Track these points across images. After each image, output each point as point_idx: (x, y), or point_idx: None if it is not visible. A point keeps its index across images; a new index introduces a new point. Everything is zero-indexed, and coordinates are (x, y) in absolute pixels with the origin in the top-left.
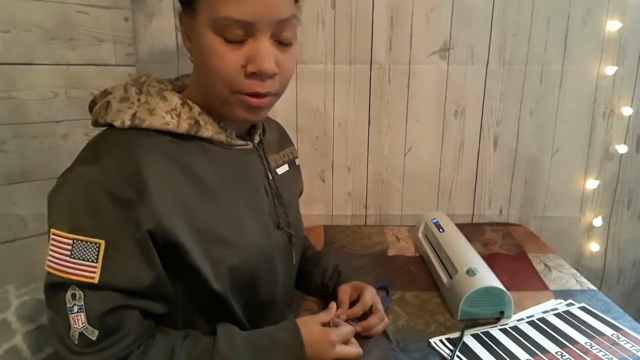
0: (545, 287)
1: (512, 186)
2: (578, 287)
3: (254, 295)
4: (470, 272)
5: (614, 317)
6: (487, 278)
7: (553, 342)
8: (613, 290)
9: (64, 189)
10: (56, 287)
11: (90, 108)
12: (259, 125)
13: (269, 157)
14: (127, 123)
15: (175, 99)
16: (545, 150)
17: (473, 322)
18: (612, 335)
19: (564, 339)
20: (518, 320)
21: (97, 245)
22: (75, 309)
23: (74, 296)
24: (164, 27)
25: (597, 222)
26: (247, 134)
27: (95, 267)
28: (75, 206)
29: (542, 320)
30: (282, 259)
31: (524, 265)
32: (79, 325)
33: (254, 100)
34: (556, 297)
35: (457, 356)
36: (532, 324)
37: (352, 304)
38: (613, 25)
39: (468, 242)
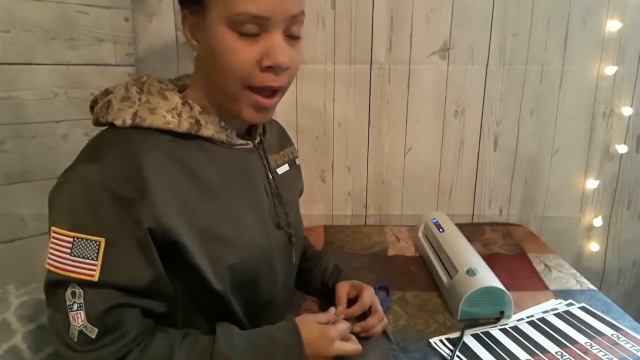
0: (545, 287)
1: (512, 186)
2: (578, 287)
3: (254, 294)
4: (470, 272)
5: (614, 317)
6: (487, 278)
7: (553, 342)
8: (613, 290)
9: (64, 187)
10: (56, 285)
11: (91, 107)
12: (259, 125)
13: (269, 156)
14: (128, 122)
15: (176, 99)
16: (545, 150)
17: (473, 322)
18: (612, 335)
19: (564, 339)
20: (518, 320)
21: (98, 243)
22: (75, 306)
23: (73, 294)
24: (164, 27)
25: (597, 222)
26: (247, 134)
27: (95, 265)
28: (75, 204)
29: (542, 320)
30: (282, 258)
31: (524, 265)
32: (78, 323)
33: (264, 101)
34: (556, 297)
35: (457, 356)
36: (532, 324)
37: (351, 303)
38: (613, 25)
39: (468, 242)
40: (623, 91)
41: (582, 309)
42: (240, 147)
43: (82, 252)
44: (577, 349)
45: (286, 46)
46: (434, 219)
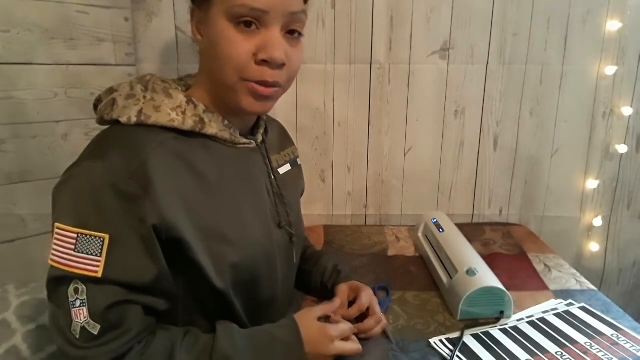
0: (545, 287)
1: (512, 186)
2: (578, 287)
3: (255, 293)
4: (470, 272)
5: (614, 317)
6: (487, 278)
7: (553, 342)
8: (613, 290)
9: (69, 183)
10: (59, 281)
11: (95, 106)
12: (262, 124)
13: (271, 156)
14: (133, 119)
15: (180, 97)
16: (545, 150)
17: (473, 322)
18: (612, 335)
19: (564, 339)
20: (518, 320)
21: (102, 239)
22: (78, 303)
23: (76, 290)
24: (164, 27)
25: (597, 222)
26: (250, 133)
27: (99, 261)
28: (80, 201)
29: (542, 320)
30: (283, 258)
31: (524, 265)
32: (80, 320)
33: (261, 89)
34: (556, 297)
35: (457, 356)
36: (532, 324)
37: (350, 304)
38: (613, 25)
39: (468, 242)
40: (623, 91)
41: (582, 309)
42: (243, 146)
43: (86, 248)
44: (577, 349)
45: (283, 42)
46: (434, 219)
